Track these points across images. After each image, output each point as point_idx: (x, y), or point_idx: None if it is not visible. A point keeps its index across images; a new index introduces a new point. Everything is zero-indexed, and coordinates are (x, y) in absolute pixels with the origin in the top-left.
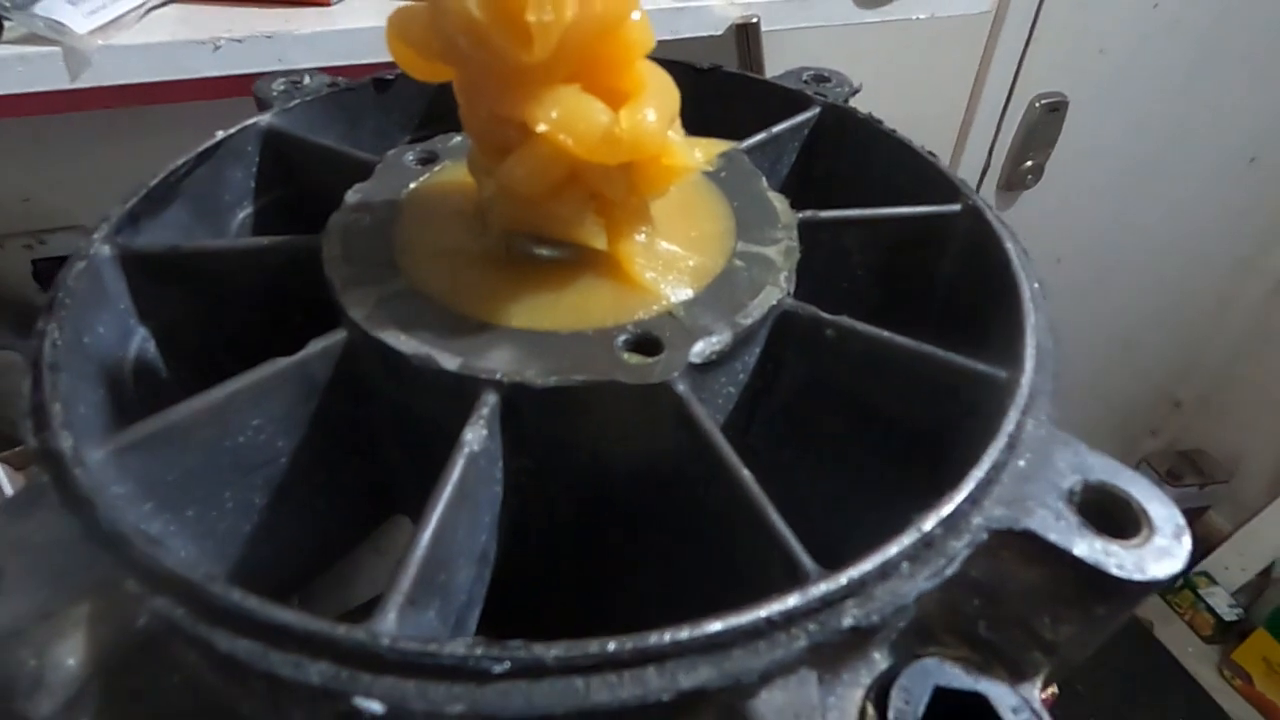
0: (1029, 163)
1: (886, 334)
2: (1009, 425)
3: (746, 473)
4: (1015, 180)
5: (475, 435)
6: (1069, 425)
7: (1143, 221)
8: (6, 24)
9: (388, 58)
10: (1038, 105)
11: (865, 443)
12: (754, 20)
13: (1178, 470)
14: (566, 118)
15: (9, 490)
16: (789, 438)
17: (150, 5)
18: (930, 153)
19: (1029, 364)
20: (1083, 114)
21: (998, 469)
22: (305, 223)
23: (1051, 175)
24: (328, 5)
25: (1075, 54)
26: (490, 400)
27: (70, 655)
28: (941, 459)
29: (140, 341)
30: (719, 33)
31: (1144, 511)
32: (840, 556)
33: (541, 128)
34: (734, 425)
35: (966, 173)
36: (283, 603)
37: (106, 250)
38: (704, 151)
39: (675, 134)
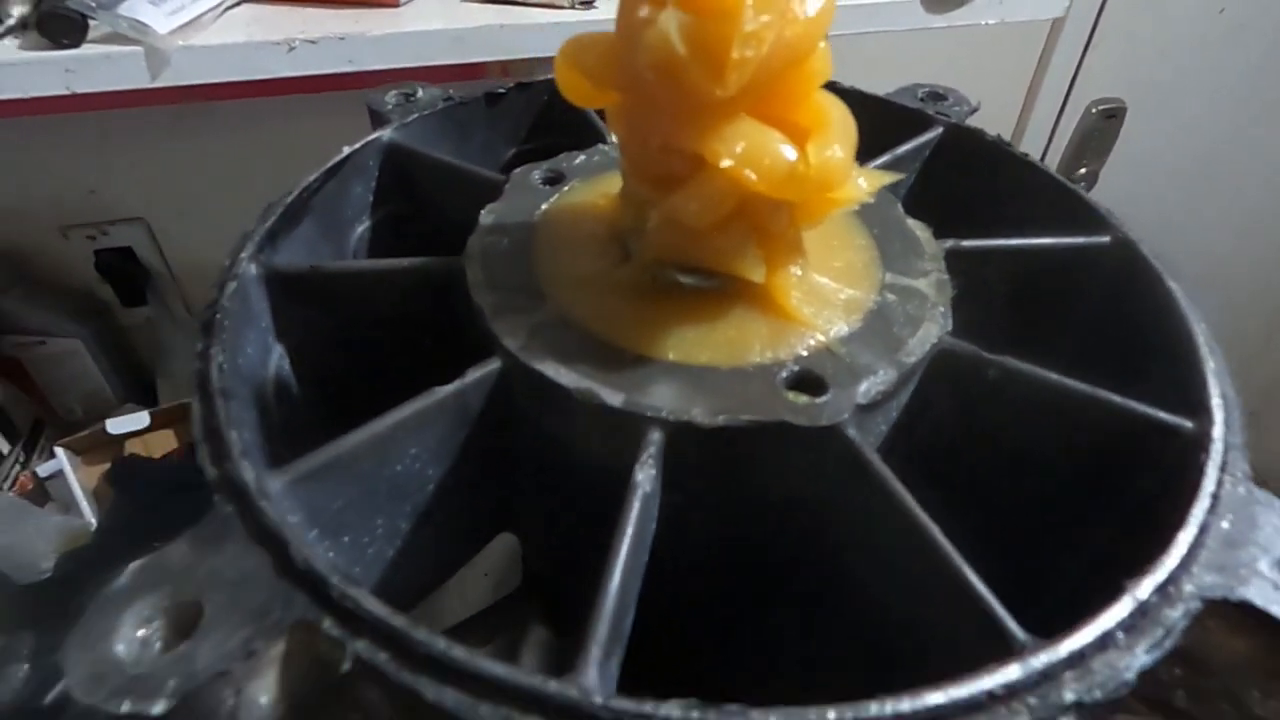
0: (1083, 170)
1: (1055, 377)
2: (1210, 483)
3: (935, 528)
4: None
5: (646, 476)
6: None
7: (1198, 233)
8: (92, 24)
9: (456, 60)
10: (1094, 111)
11: (1015, 488)
12: None
13: None
14: (751, 153)
15: (72, 476)
16: (927, 480)
17: (226, 5)
18: (1071, 179)
19: (1219, 414)
20: (1141, 121)
21: (1204, 532)
22: (418, 237)
23: (1106, 183)
24: (396, 6)
25: (1135, 59)
26: (656, 439)
27: (264, 693)
28: (1097, 514)
29: (278, 360)
30: None
31: None
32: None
33: (726, 163)
34: None
35: None
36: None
37: (253, 269)
38: (868, 182)
39: None
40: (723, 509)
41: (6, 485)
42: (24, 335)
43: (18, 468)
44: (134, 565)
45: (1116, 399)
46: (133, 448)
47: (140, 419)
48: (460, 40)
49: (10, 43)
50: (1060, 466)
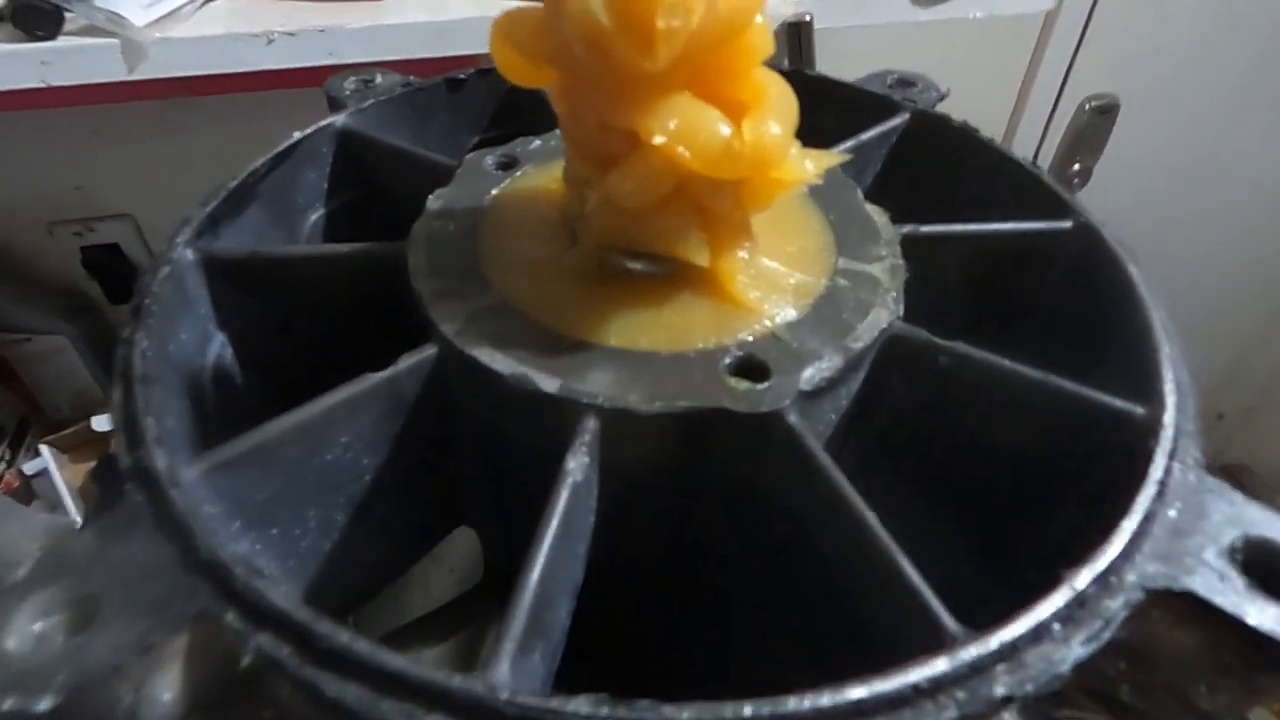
0: (1076, 166)
1: (1008, 364)
2: (1157, 470)
3: (872, 516)
4: (1062, 184)
5: (578, 464)
6: None
7: (1193, 229)
8: (67, 15)
9: (438, 53)
10: (1088, 107)
11: (969, 477)
12: (807, 18)
13: None
14: (684, 129)
15: (57, 474)
16: (881, 468)
17: None
18: (1034, 164)
19: (1170, 400)
20: (1135, 117)
21: (1149, 520)
22: (376, 225)
23: (1100, 180)
24: None
25: (1130, 55)
26: (591, 426)
27: (167, 690)
28: (1058, 501)
29: (218, 348)
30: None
31: None
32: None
33: (658, 139)
34: (829, 452)
35: None
36: (340, 619)
37: (190, 255)
38: (815, 163)
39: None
40: (664, 498)
41: None
42: (10, 333)
43: (3, 466)
44: (33, 559)
45: (1068, 385)
46: None
47: None
48: (443, 33)
49: None
50: (1017, 454)
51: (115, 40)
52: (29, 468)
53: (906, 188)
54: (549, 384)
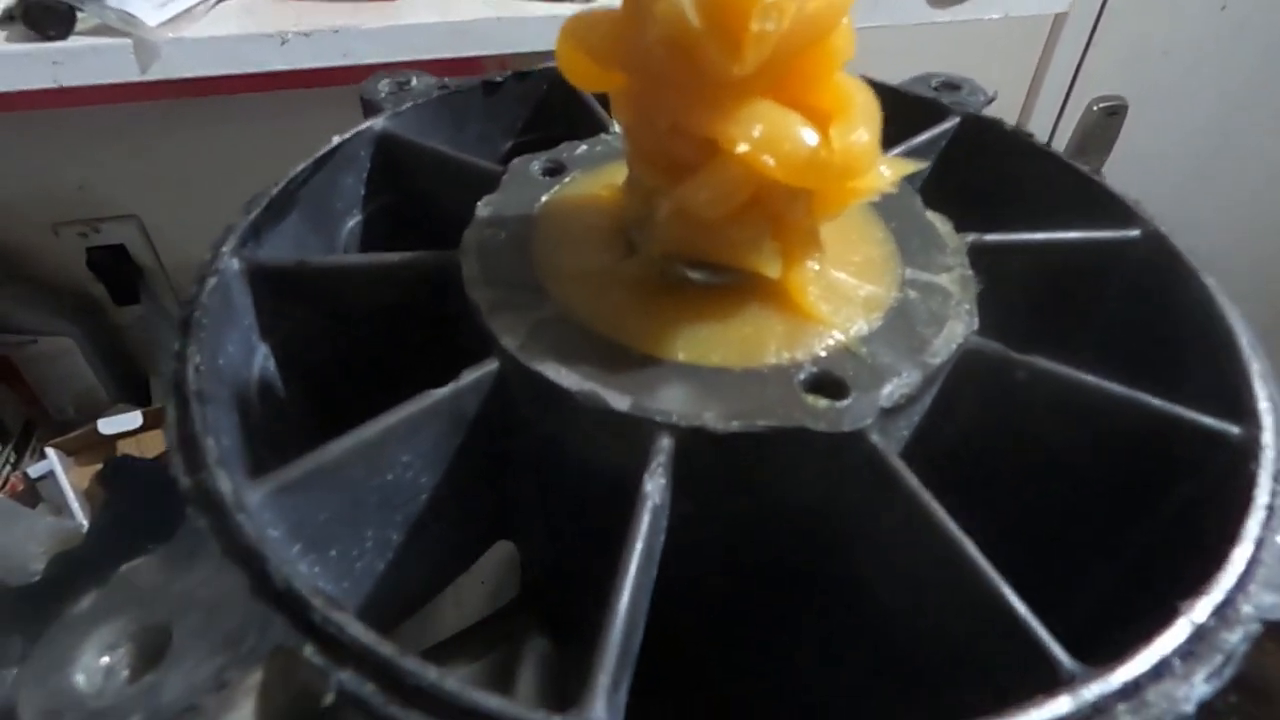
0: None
1: (1092, 379)
2: (1263, 494)
3: (970, 544)
4: None
5: (655, 486)
6: None
7: (1201, 230)
8: (79, 15)
9: (452, 54)
10: (1095, 109)
11: (1045, 493)
12: None
13: None
14: (770, 137)
15: (63, 477)
16: (952, 483)
17: None
18: (1095, 171)
19: (1269, 419)
20: (1142, 118)
21: (1260, 547)
22: (412, 230)
23: (1107, 181)
24: None
25: (1137, 56)
26: (665, 445)
27: None
28: (1133, 520)
29: (262, 359)
30: None
31: None
32: None
33: (742, 147)
34: None
35: None
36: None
37: (235, 264)
38: (891, 170)
39: None
40: (737, 519)
41: None
42: (15, 334)
43: (8, 469)
44: (99, 589)
45: (1156, 401)
46: (125, 448)
47: (133, 419)
48: (457, 33)
49: None
50: (1094, 471)
51: (128, 40)
52: (34, 470)
53: (957, 194)
54: (620, 401)
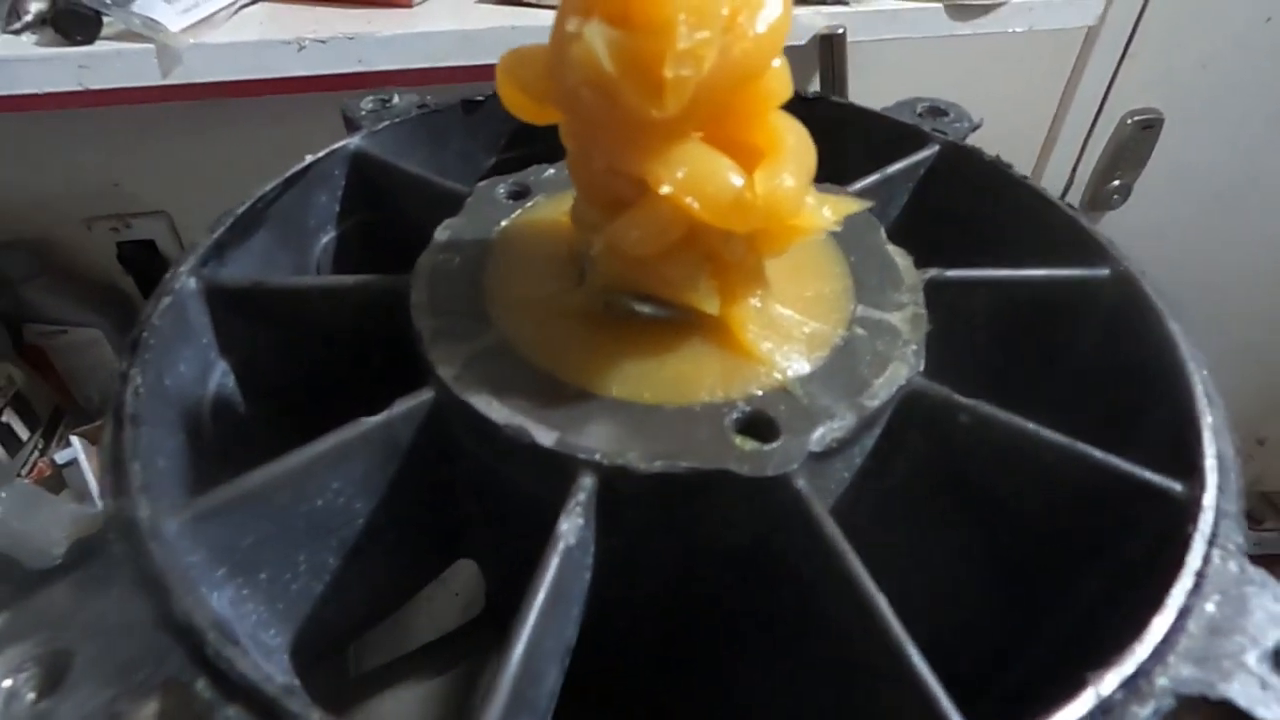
0: (1116, 182)
1: (1033, 427)
2: (1194, 558)
3: (882, 599)
4: (1100, 200)
5: (571, 525)
6: None
7: (1235, 248)
8: (105, 20)
9: (466, 61)
10: (1130, 122)
11: (989, 536)
12: (840, 31)
13: (1258, 513)
14: (694, 179)
15: (86, 465)
16: (898, 520)
17: (240, 4)
18: (1070, 205)
19: (1211, 478)
20: (1178, 132)
21: (1184, 615)
22: (388, 248)
23: (1140, 196)
24: (409, 6)
25: (1174, 69)
26: (587, 484)
27: None
28: (1082, 571)
29: (220, 377)
30: (801, 42)
31: None
32: (947, 657)
33: (666, 189)
34: (841, 509)
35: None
36: (340, 650)
37: (192, 283)
38: (833, 210)
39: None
40: (666, 555)
41: (25, 471)
42: (47, 324)
43: (36, 454)
44: (9, 612)
45: (1098, 454)
46: None
47: None
48: (470, 41)
49: (27, 38)
50: (1039, 522)
51: (150, 45)
52: (60, 457)
53: (933, 222)
54: (546, 437)
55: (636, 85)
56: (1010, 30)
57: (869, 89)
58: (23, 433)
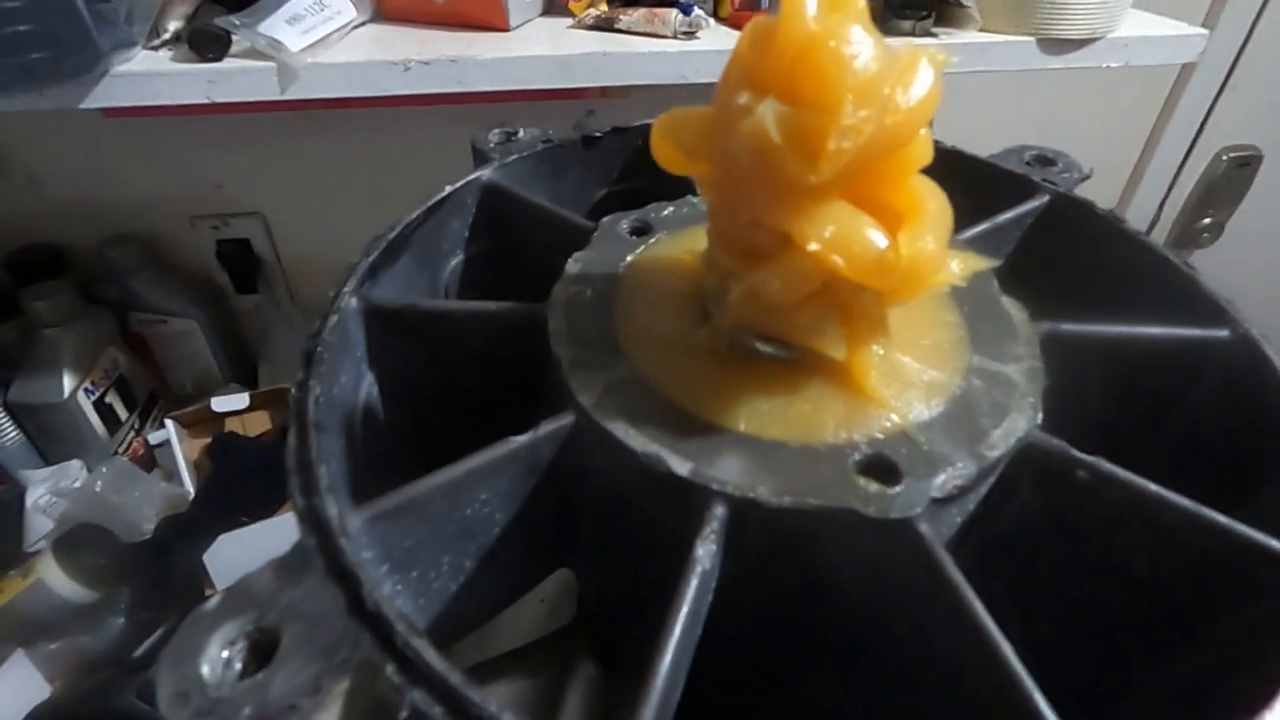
0: (1208, 219)
1: (1154, 488)
2: None
3: (1007, 646)
4: (1189, 238)
5: (706, 551)
6: None
7: None
8: (234, 39)
9: (558, 84)
10: (1224, 158)
11: (1099, 597)
12: None
13: None
14: (841, 239)
15: (177, 447)
16: (1004, 569)
17: (352, 25)
18: (1189, 264)
19: None
20: (1278, 171)
21: None
22: (508, 272)
23: (1233, 235)
24: (507, 30)
25: (1276, 105)
26: (720, 513)
27: None
28: (1193, 637)
29: (368, 387)
30: None
31: None
32: None
33: (814, 246)
34: (947, 549)
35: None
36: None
37: (354, 303)
38: (962, 266)
39: None
40: (782, 586)
41: (121, 449)
42: (150, 313)
43: (132, 434)
44: (223, 590)
45: (1221, 519)
46: (232, 425)
47: (241, 399)
48: (565, 66)
49: (164, 54)
50: (1153, 582)
51: (272, 64)
52: (154, 438)
53: (1041, 274)
54: (681, 467)
55: (799, 155)
56: (1104, 65)
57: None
58: (122, 413)
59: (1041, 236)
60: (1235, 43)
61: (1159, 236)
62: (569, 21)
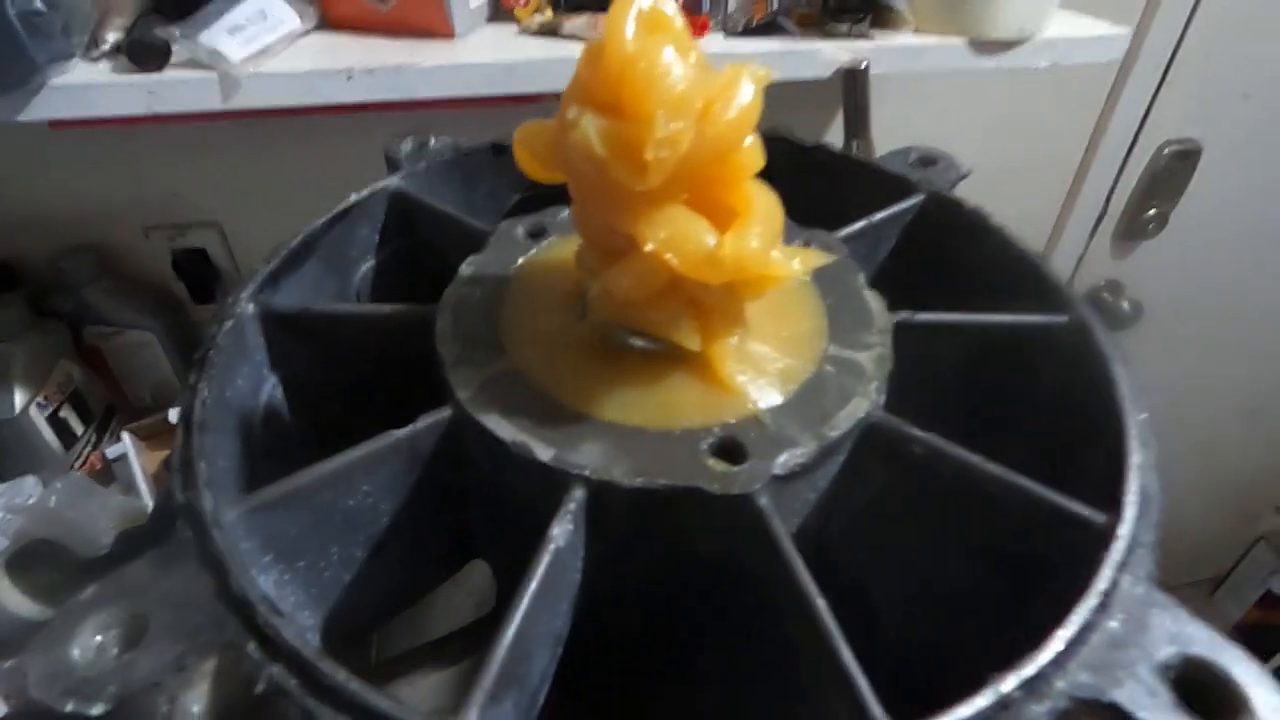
0: (1152, 211)
1: (977, 459)
2: (1102, 581)
3: (821, 602)
4: (1135, 230)
5: (562, 530)
6: (1181, 498)
7: (1274, 279)
8: (174, 50)
9: (505, 91)
10: (1166, 151)
11: (943, 560)
12: (863, 65)
13: None
14: (674, 239)
15: (135, 460)
16: (864, 537)
17: (295, 34)
18: (1038, 254)
19: (1129, 511)
20: (1217, 162)
21: (1087, 629)
22: (419, 276)
23: (1176, 226)
24: (452, 37)
25: (1214, 99)
26: (578, 495)
27: (195, 704)
28: (1025, 596)
29: (270, 389)
30: (826, 76)
31: (1246, 697)
32: (905, 669)
33: (649, 246)
34: (810, 526)
35: (1081, 220)
36: (363, 638)
37: (251, 308)
38: (802, 263)
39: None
40: (646, 559)
41: (78, 464)
42: (104, 325)
43: (89, 448)
44: (98, 582)
45: (1033, 487)
46: None
47: None
48: (510, 72)
49: (103, 66)
50: (985, 549)
51: (214, 74)
52: (111, 451)
53: (918, 268)
54: (544, 453)
55: (623, 165)
56: (1036, 65)
57: (899, 120)
58: (78, 427)
59: (919, 234)
60: (1171, 40)
61: (1106, 229)
62: (515, 28)
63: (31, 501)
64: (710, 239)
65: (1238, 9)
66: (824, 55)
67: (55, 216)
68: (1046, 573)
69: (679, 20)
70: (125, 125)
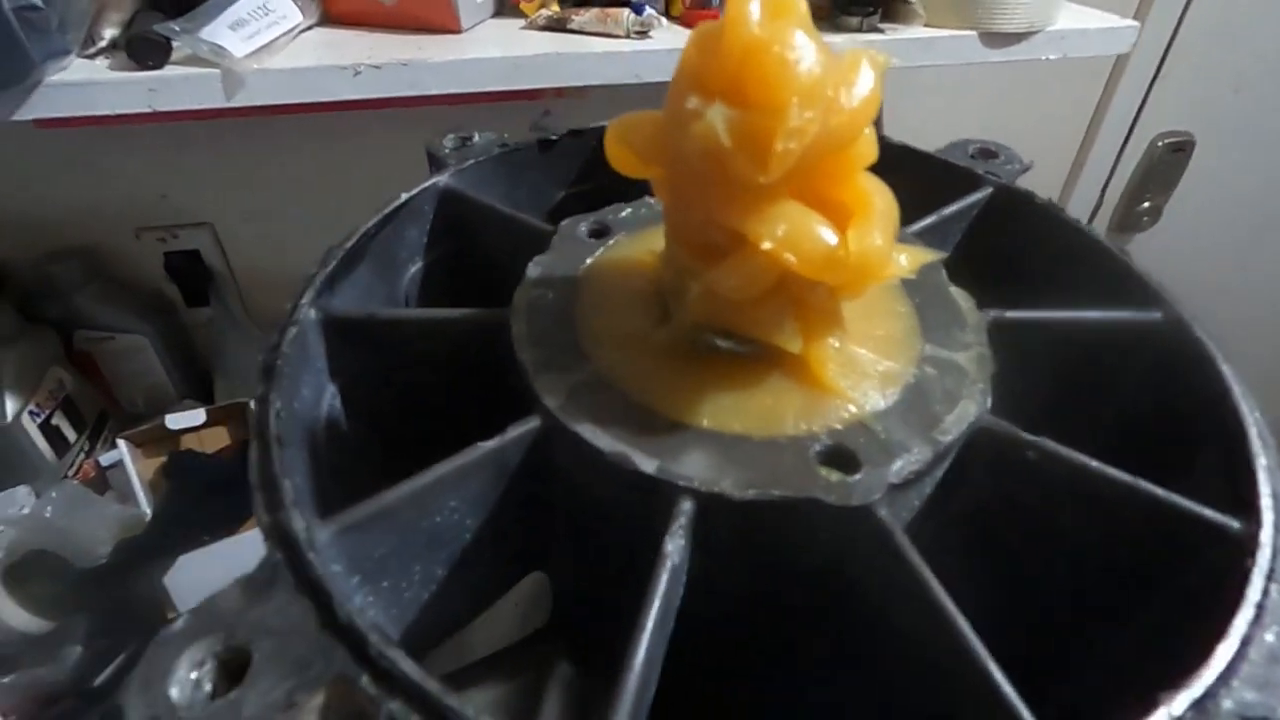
0: (1146, 204)
1: (1096, 464)
2: (1254, 591)
3: (962, 620)
4: (1129, 222)
5: (675, 546)
6: None
7: (1269, 272)
8: (175, 46)
9: (512, 86)
10: (1160, 145)
11: (1050, 571)
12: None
13: None
14: (792, 237)
15: (131, 467)
16: (959, 546)
17: (299, 30)
18: (1123, 250)
19: (1269, 516)
20: (1210, 155)
21: (1245, 644)
22: (468, 278)
23: (1170, 218)
24: (459, 32)
25: (1206, 92)
26: (687, 508)
27: None
28: (1138, 605)
29: (330, 399)
30: None
31: None
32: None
33: (767, 244)
34: (907, 532)
35: (1076, 213)
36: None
37: (313, 314)
38: (909, 260)
39: None
40: (751, 574)
41: (71, 472)
42: (96, 330)
43: (83, 456)
44: (189, 610)
45: (1159, 492)
46: (188, 442)
47: (197, 415)
48: (517, 67)
49: (101, 63)
50: (1098, 553)
51: (216, 70)
52: (105, 459)
53: (986, 264)
54: (647, 464)
55: (748, 156)
56: (1044, 58)
57: (894, 113)
58: (70, 435)
59: (986, 227)
60: (1166, 34)
61: (1101, 221)
62: (521, 23)
63: (26, 512)
64: (830, 236)
65: (1230, 3)
66: (836, 48)
67: (43, 219)
68: (1162, 580)
69: (803, 3)
70: (113, 124)
